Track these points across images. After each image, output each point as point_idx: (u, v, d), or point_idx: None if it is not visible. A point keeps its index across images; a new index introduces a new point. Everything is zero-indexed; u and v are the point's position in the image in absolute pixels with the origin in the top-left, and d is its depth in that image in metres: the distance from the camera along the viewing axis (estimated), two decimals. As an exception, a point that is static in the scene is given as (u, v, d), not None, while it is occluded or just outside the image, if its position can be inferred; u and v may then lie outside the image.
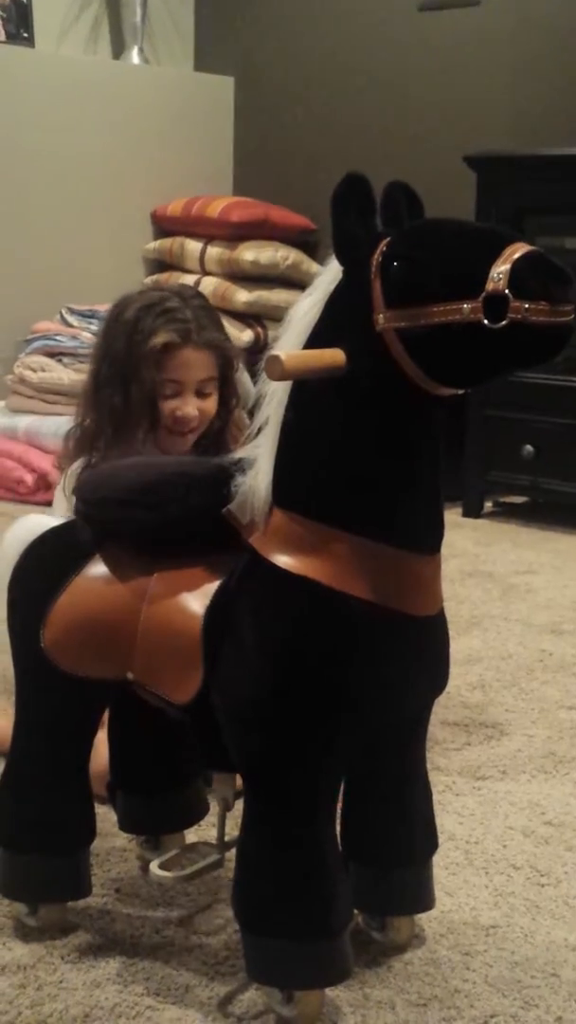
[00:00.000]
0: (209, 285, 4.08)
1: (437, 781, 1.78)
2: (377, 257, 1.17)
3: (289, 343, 1.24)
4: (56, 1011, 1.31)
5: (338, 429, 1.21)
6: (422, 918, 1.47)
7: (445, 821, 1.71)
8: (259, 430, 1.30)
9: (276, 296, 4.02)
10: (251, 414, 4.15)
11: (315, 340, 1.22)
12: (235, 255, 4.06)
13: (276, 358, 1.17)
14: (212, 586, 1.31)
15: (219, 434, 1.92)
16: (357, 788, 1.39)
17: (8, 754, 1.46)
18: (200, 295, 1.93)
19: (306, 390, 1.23)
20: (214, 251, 4.12)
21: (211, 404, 1.88)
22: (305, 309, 1.25)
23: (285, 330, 1.26)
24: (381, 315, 1.16)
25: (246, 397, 3.88)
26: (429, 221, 1.20)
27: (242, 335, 3.99)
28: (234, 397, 1.93)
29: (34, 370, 3.87)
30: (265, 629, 1.25)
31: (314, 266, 4.07)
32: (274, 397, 1.27)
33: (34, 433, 3.78)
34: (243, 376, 3.88)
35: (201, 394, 1.87)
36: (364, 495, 1.22)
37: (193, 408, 1.85)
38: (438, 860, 1.48)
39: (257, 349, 3.93)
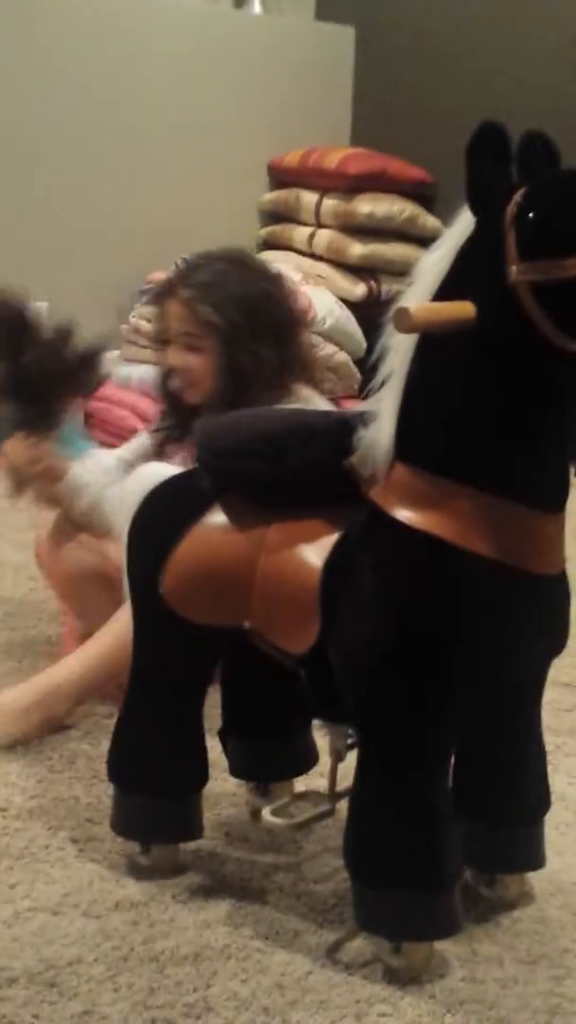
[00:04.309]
0: (324, 238, 4.05)
1: (547, 741, 1.76)
2: (512, 208, 1.15)
3: (417, 295, 1.22)
4: (168, 949, 1.34)
5: (464, 383, 1.20)
6: (532, 877, 1.46)
7: (555, 781, 1.69)
8: (382, 383, 1.29)
9: (391, 250, 3.96)
10: (359, 364, 4.09)
11: (444, 293, 1.20)
12: (351, 207, 4.01)
13: (404, 310, 1.16)
14: (331, 539, 1.32)
15: (227, 400, 1.86)
16: (471, 744, 1.39)
17: (125, 697, 1.48)
18: (227, 261, 1.93)
19: (433, 343, 1.21)
20: (330, 203, 4.08)
21: (202, 362, 1.87)
22: (434, 261, 1.23)
23: (414, 282, 1.24)
24: (514, 267, 1.14)
25: (355, 349, 3.85)
26: (566, 171, 1.18)
27: (355, 289, 3.95)
28: (239, 368, 1.88)
29: (149, 320, 3.89)
30: (384, 583, 1.25)
31: (430, 220, 4.01)
32: (399, 350, 1.26)
33: (147, 383, 3.80)
34: (351, 326, 3.84)
35: (191, 348, 1.87)
36: (489, 450, 1.20)
37: (177, 359, 1.88)
38: (548, 820, 1.47)
39: (370, 304, 3.90)
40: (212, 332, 1.86)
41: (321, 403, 1.94)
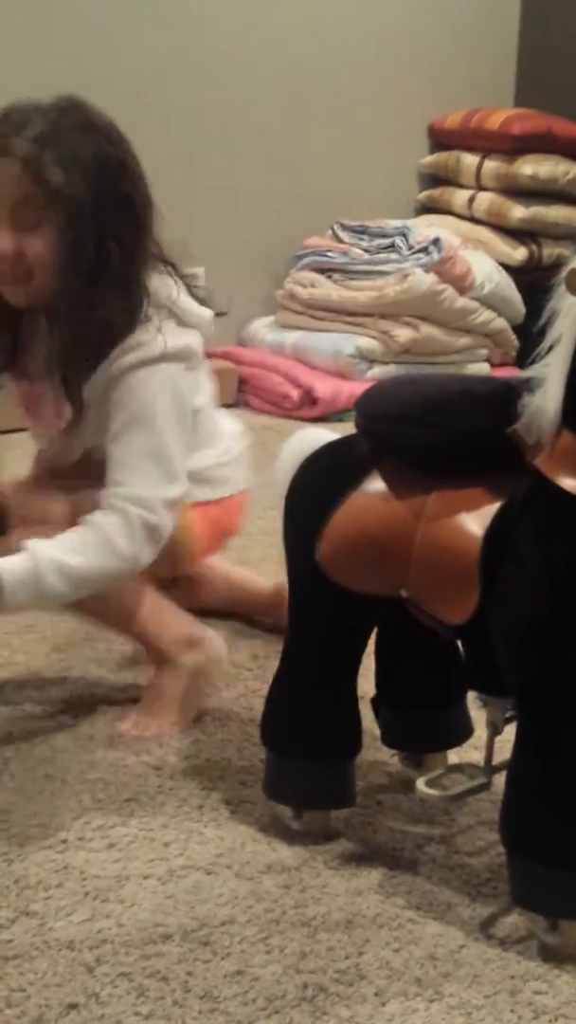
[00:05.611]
0: (484, 201, 3.97)
1: None
2: None
3: (592, 256, 1.18)
4: (319, 914, 1.34)
5: None
6: None
7: None
8: (550, 348, 1.25)
9: (553, 212, 3.87)
10: (517, 331, 4.00)
11: (620, 253, 1.16)
12: (513, 169, 3.92)
13: (578, 271, 1.12)
14: (492, 507, 1.29)
15: (71, 301, 1.51)
16: None
17: (280, 662, 1.49)
18: (66, 110, 1.52)
19: (607, 306, 1.17)
20: (491, 165, 3.99)
21: (37, 246, 1.50)
22: (609, 221, 1.19)
23: (588, 243, 1.20)
24: None
25: (514, 315, 3.77)
26: None
27: (515, 253, 3.87)
28: (83, 257, 1.49)
29: (304, 286, 3.89)
30: (547, 554, 1.21)
31: (596, 181, 3.89)
32: (570, 313, 1.21)
33: (301, 349, 3.80)
34: (510, 292, 3.75)
35: (21, 227, 1.50)
36: None
37: (4, 240, 1.49)
38: None
39: (531, 268, 3.81)
40: (59, 204, 1.48)
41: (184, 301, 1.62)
